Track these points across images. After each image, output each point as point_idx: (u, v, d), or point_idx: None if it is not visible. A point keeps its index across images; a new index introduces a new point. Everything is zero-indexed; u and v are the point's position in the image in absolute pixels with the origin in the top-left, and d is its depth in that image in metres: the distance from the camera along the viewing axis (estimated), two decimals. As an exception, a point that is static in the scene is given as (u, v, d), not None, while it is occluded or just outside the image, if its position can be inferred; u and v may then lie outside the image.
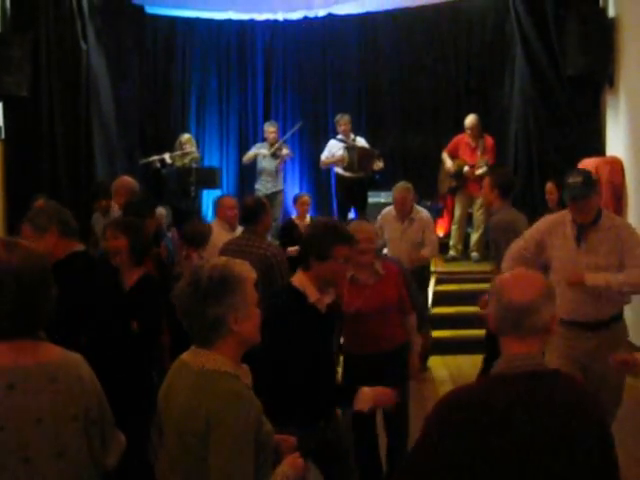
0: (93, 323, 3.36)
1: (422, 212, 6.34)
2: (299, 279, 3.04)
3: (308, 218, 7.36)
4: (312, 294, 2.98)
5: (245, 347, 2.10)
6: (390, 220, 6.30)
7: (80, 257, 3.50)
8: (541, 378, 1.94)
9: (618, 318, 3.91)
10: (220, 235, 5.32)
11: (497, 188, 5.12)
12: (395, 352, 3.94)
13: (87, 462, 2.03)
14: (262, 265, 4.10)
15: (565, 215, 3.95)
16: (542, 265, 3.95)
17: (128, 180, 5.99)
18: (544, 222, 4.05)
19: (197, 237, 4.99)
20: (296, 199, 7.59)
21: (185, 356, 2.11)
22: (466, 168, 8.14)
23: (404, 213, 6.18)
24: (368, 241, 3.87)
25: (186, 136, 9.01)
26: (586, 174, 3.87)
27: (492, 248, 5.29)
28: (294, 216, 7.68)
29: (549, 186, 6.35)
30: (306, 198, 7.44)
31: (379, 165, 8.56)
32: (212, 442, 1.91)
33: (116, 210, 5.76)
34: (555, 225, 3.97)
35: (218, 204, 6.04)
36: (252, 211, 4.56)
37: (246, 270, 2.10)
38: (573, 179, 3.83)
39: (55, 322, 3.07)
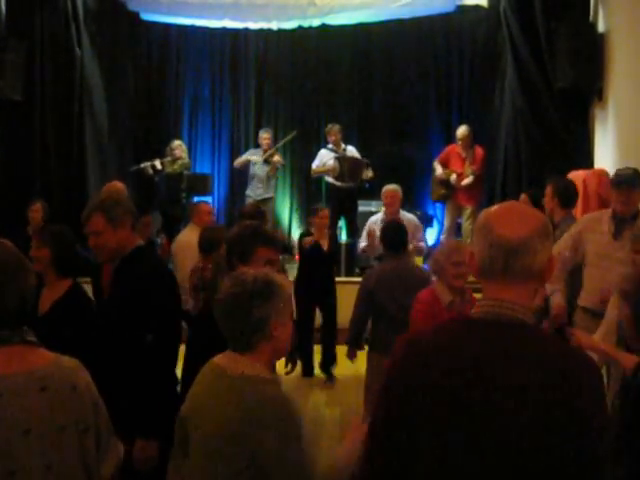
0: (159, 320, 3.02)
1: (410, 217, 6.50)
2: None
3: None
4: None
5: (277, 357, 2.07)
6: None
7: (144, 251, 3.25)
8: (518, 328, 1.52)
9: None
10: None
11: None
12: None
13: (78, 473, 1.93)
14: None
15: (604, 213, 4.21)
16: (576, 264, 4.18)
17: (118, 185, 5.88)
18: (582, 220, 4.31)
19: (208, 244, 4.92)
20: (315, 212, 6.65)
21: (220, 360, 2.04)
22: (453, 176, 8.22)
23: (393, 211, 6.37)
24: (465, 264, 3.64)
25: (176, 142, 9.01)
26: (637, 170, 4.09)
27: None
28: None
29: (548, 189, 6.34)
30: (326, 212, 6.65)
31: (368, 175, 8.60)
32: (265, 450, 1.85)
33: None
34: (592, 221, 4.22)
35: (195, 210, 6.09)
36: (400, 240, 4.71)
37: (287, 283, 2.13)
38: (623, 170, 4.09)
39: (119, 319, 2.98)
